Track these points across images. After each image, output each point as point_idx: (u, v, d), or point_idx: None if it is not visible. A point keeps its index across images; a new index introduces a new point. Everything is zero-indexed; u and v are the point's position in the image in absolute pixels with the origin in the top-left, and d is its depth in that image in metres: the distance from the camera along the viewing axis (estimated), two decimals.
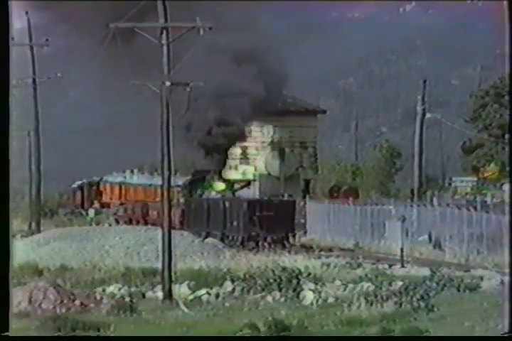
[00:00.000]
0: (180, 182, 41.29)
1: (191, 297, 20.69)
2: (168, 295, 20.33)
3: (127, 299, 20.18)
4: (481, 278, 22.08)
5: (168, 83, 20.79)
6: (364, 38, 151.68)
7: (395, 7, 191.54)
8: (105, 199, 51.11)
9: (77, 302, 18.90)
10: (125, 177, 49.64)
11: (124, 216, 48.19)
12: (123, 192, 49.18)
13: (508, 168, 44.49)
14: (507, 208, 40.18)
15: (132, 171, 50.10)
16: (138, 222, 45.28)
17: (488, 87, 46.73)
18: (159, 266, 21.23)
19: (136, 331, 16.54)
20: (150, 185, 44.42)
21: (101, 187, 51.69)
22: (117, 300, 19.81)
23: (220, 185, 38.15)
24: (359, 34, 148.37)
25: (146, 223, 43.66)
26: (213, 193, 37.84)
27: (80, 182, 53.93)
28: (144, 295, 20.94)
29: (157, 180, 44.10)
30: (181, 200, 39.67)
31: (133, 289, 21.33)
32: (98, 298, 19.45)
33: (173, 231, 21.31)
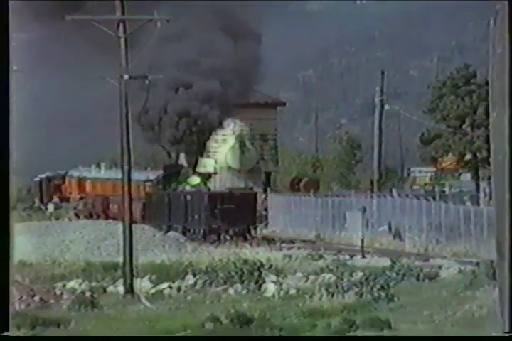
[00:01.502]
0: (152, 177, 40.46)
1: (153, 291, 20.64)
2: (130, 289, 20.25)
3: (88, 294, 20.05)
4: (440, 268, 22.36)
5: (126, 76, 20.65)
6: (323, 29, 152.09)
7: None
8: (71, 194, 50.26)
9: (37, 298, 18.72)
10: (91, 172, 48.74)
11: (84, 210, 47.79)
12: (90, 186, 48.21)
13: (469, 158, 44.96)
14: (465, 198, 40.75)
15: (99, 165, 49.09)
16: (98, 216, 44.95)
17: (445, 78, 47.19)
18: (120, 260, 21.12)
19: (97, 326, 16.45)
20: (117, 179, 43.50)
21: (66, 182, 50.73)
22: (78, 295, 19.67)
23: (195, 179, 37.30)
24: (317, 26, 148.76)
25: (106, 217, 43.36)
26: (187, 187, 37.13)
27: (43, 176, 53.04)
28: (105, 290, 20.82)
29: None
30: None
31: (94, 284, 21.20)
32: (58, 293, 19.30)
33: (134, 225, 21.21)
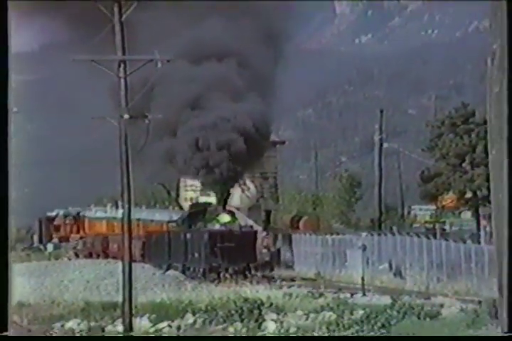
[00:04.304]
0: (175, 217, 38.66)
1: (152, 330, 20.48)
2: (129, 328, 20.09)
3: (86, 334, 19.87)
4: (441, 306, 22.20)
5: (126, 116, 20.76)
6: (321, 68, 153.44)
7: (351, 38, 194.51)
8: (75, 233, 49.30)
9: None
10: (106, 212, 47.53)
11: (83, 250, 47.56)
12: (108, 227, 46.98)
13: (469, 195, 45.00)
14: (466, 236, 40.65)
15: (117, 205, 47.86)
16: (98, 256, 44.73)
17: (443, 117, 47.47)
18: (120, 299, 20.99)
19: None
20: (138, 219, 42.12)
21: (80, 222, 49.58)
22: (76, 335, 19.50)
23: (225, 217, 35.14)
24: (316, 65, 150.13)
25: (106, 256, 43.13)
26: (217, 226, 34.87)
27: (53, 214, 51.66)
28: (103, 330, 20.66)
29: (146, 215, 42.31)
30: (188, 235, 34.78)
31: (92, 324, 21.03)
32: (56, 333, 19.12)
33: (133, 264, 21.13)
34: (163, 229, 39.15)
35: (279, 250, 39.44)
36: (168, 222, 39.12)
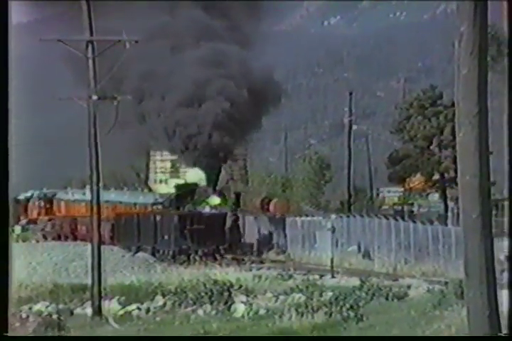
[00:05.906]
0: (160, 199, 37.45)
1: (121, 312, 20.46)
2: (98, 311, 20.05)
3: (55, 316, 19.81)
4: (409, 287, 22.45)
5: (95, 97, 20.59)
6: (291, 51, 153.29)
7: (320, 20, 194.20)
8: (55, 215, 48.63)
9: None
10: (84, 194, 46.87)
11: (52, 232, 47.29)
12: (87, 209, 46.21)
13: (437, 178, 45.37)
14: (433, 217, 41.07)
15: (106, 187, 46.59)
16: (66, 238, 44.51)
17: (411, 99, 47.69)
18: (89, 281, 20.92)
19: None
20: (120, 202, 41.38)
21: (55, 205, 48.78)
22: (44, 317, 19.43)
23: (216, 200, 34.19)
24: (286, 47, 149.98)
25: (75, 239, 42.93)
26: (207, 209, 34.00)
27: (28, 194, 50.94)
28: (72, 312, 20.60)
29: (128, 198, 41.59)
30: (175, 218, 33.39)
31: (61, 306, 20.96)
32: (24, 316, 19.04)
33: (102, 247, 21.05)
34: (147, 211, 38.59)
35: (271, 234, 39.21)
36: (153, 204, 38.54)
